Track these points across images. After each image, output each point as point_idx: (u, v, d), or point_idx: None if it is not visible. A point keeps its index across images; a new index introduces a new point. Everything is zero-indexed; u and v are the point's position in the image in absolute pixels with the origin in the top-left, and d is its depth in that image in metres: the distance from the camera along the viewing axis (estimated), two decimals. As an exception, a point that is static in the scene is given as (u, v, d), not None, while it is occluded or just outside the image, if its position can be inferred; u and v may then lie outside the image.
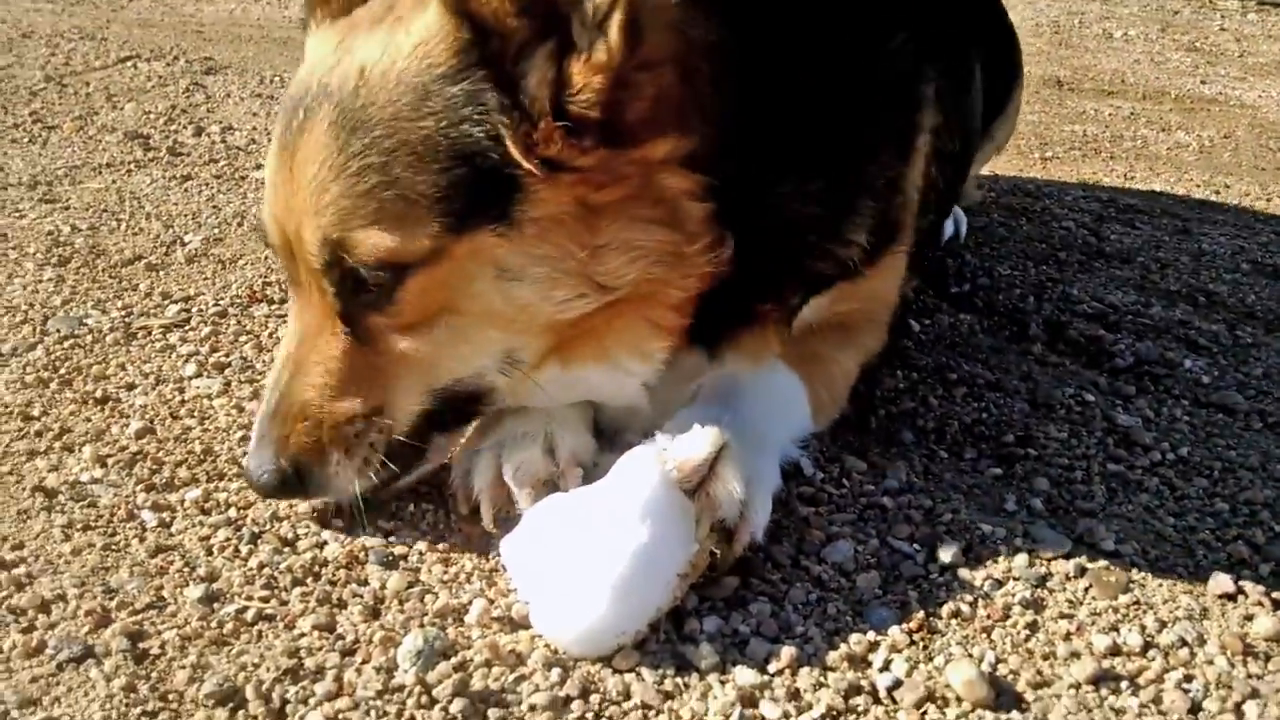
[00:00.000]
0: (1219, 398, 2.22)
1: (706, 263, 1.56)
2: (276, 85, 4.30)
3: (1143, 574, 1.61)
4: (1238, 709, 1.35)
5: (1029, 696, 1.36)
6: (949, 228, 3.02)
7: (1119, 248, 3.13)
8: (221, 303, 2.36)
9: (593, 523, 1.41)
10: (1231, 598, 1.58)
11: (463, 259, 1.47)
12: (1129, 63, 6.05)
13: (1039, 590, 1.56)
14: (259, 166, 3.29)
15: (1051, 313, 2.62)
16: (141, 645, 1.37)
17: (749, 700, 1.33)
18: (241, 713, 1.27)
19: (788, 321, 1.83)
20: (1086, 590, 1.57)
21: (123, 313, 2.29)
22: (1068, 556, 1.63)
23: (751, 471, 1.53)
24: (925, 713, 1.33)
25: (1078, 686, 1.38)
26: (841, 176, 1.74)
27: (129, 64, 4.50)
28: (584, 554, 1.40)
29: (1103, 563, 1.62)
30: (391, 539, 1.61)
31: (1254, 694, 1.38)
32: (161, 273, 2.51)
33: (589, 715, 1.30)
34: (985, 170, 3.46)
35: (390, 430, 1.56)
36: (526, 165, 1.43)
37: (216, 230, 2.78)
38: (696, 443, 1.47)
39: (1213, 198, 3.75)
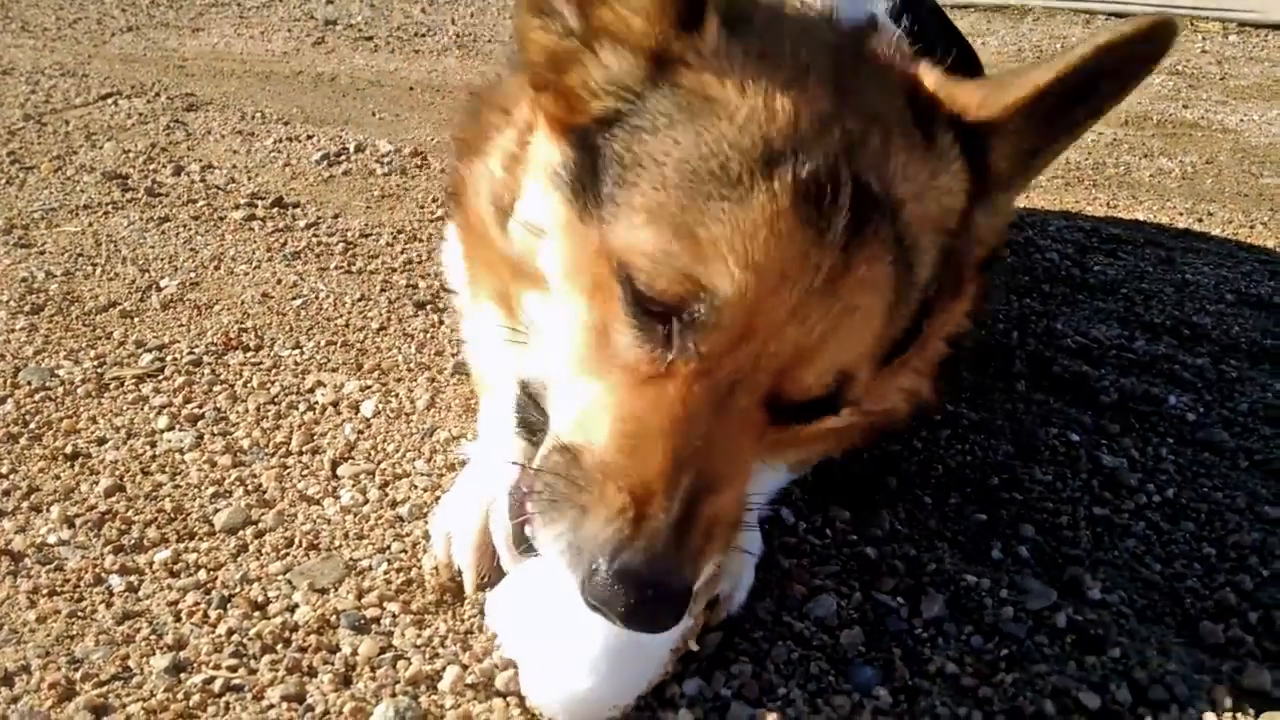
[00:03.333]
0: (1205, 435, 2.21)
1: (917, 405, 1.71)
2: (258, 121, 4.29)
3: (1130, 625, 1.59)
4: (1228, 769, 1.33)
5: (1016, 760, 1.33)
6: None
7: (1103, 279, 3.12)
8: (196, 351, 2.33)
9: None
10: (1221, 649, 1.55)
11: None
12: (1111, 87, 6.07)
13: (1026, 645, 1.53)
14: (238, 206, 3.26)
15: (1036, 348, 2.60)
16: (105, 720, 1.34)
17: (729, 769, 1.30)
18: (206, 793, 1.24)
19: None
20: (1074, 644, 1.54)
21: (95, 362, 2.26)
22: (1054, 608, 1.61)
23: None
24: (910, 779, 1.30)
25: (1066, 748, 1.35)
26: None
27: (110, 101, 4.48)
28: (580, 625, 1.33)
29: (1090, 614, 1.60)
30: (364, 600, 1.57)
31: (1245, 753, 1.35)
32: (136, 319, 2.48)
33: (564, 789, 1.26)
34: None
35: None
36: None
37: (193, 274, 2.75)
38: None
39: (1196, 225, 3.75)
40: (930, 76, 1.49)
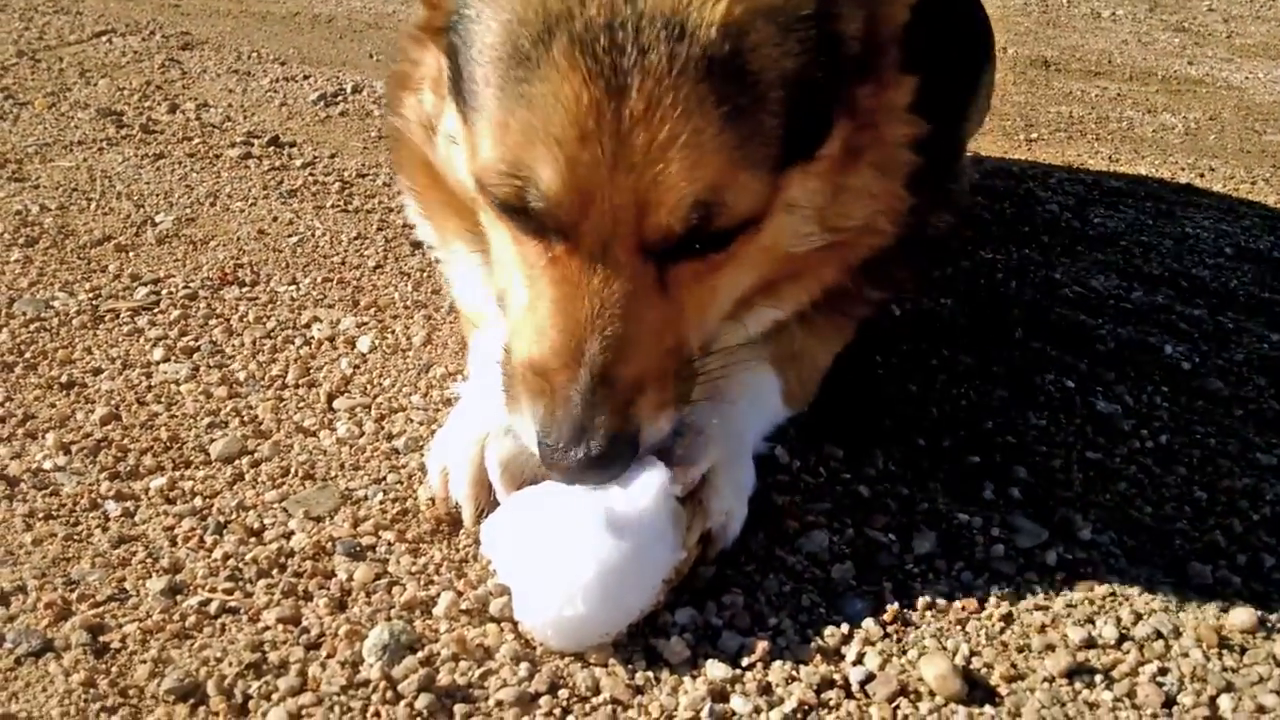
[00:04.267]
0: (1199, 384, 2.21)
1: (898, 221, 1.65)
2: (254, 61, 4.23)
3: (1119, 564, 1.60)
4: (1212, 702, 1.35)
5: (1002, 690, 1.35)
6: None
7: (1102, 231, 3.11)
8: (192, 285, 2.32)
9: (586, 521, 1.37)
10: (1208, 589, 1.57)
11: (780, 197, 1.46)
12: (1116, 43, 6.02)
13: (1015, 581, 1.55)
14: (233, 145, 3.23)
15: (1033, 297, 2.60)
16: (102, 639, 1.34)
17: (720, 695, 1.31)
18: (203, 709, 1.25)
19: None
20: (1062, 581, 1.55)
21: (90, 295, 2.25)
22: (1044, 547, 1.62)
23: (730, 474, 1.52)
24: (898, 707, 1.32)
25: (1052, 680, 1.37)
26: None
27: (104, 39, 4.42)
28: (574, 552, 1.35)
29: (1079, 553, 1.61)
30: (359, 529, 1.58)
31: (1229, 687, 1.37)
32: (131, 254, 2.47)
33: (557, 711, 1.28)
34: (968, 150, 3.44)
35: (687, 367, 1.47)
36: (844, 105, 1.47)
37: (189, 210, 2.73)
38: (696, 454, 1.46)
39: (1197, 181, 3.73)
40: None
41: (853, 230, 1.63)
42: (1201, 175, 3.79)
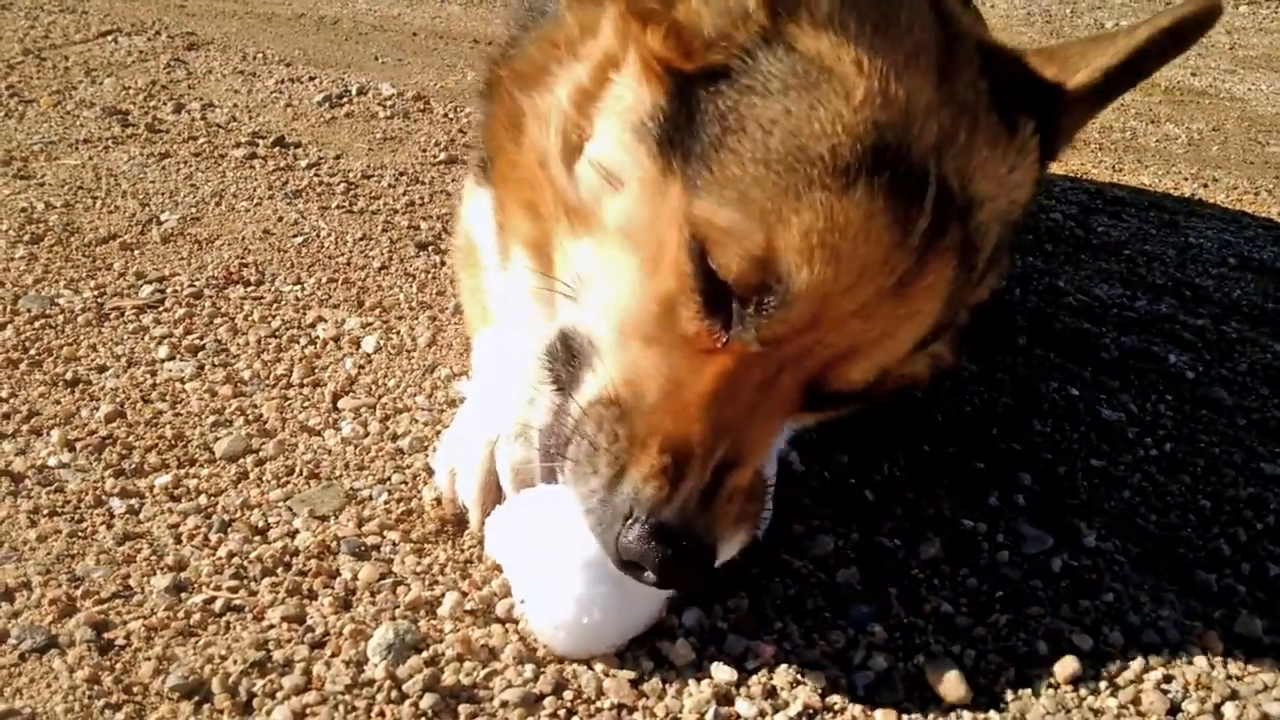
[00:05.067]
0: (1204, 393, 2.22)
1: None
2: (259, 62, 4.24)
3: (1124, 572, 1.60)
4: (1217, 710, 1.34)
5: (1008, 696, 1.35)
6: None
7: (1106, 240, 3.12)
8: (197, 284, 2.32)
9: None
10: (1213, 597, 1.57)
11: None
12: (1120, 53, 6.03)
13: (1020, 588, 1.55)
14: (239, 145, 3.24)
15: (1038, 305, 2.60)
16: (106, 635, 1.34)
17: (725, 698, 1.31)
18: (207, 706, 1.25)
19: None
20: (1067, 588, 1.55)
21: (95, 293, 2.25)
22: (1050, 554, 1.62)
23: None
24: (904, 712, 1.31)
25: (1057, 686, 1.37)
26: None
27: (109, 38, 4.43)
28: (585, 562, 1.33)
29: (1085, 560, 1.61)
30: (364, 528, 1.58)
31: (1233, 695, 1.37)
32: (136, 252, 2.47)
33: (561, 712, 1.27)
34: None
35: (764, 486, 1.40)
36: None
37: (194, 209, 2.73)
38: None
39: (1200, 191, 3.74)
40: (1007, 52, 1.45)
41: (899, 385, 1.56)
42: (1205, 185, 3.80)
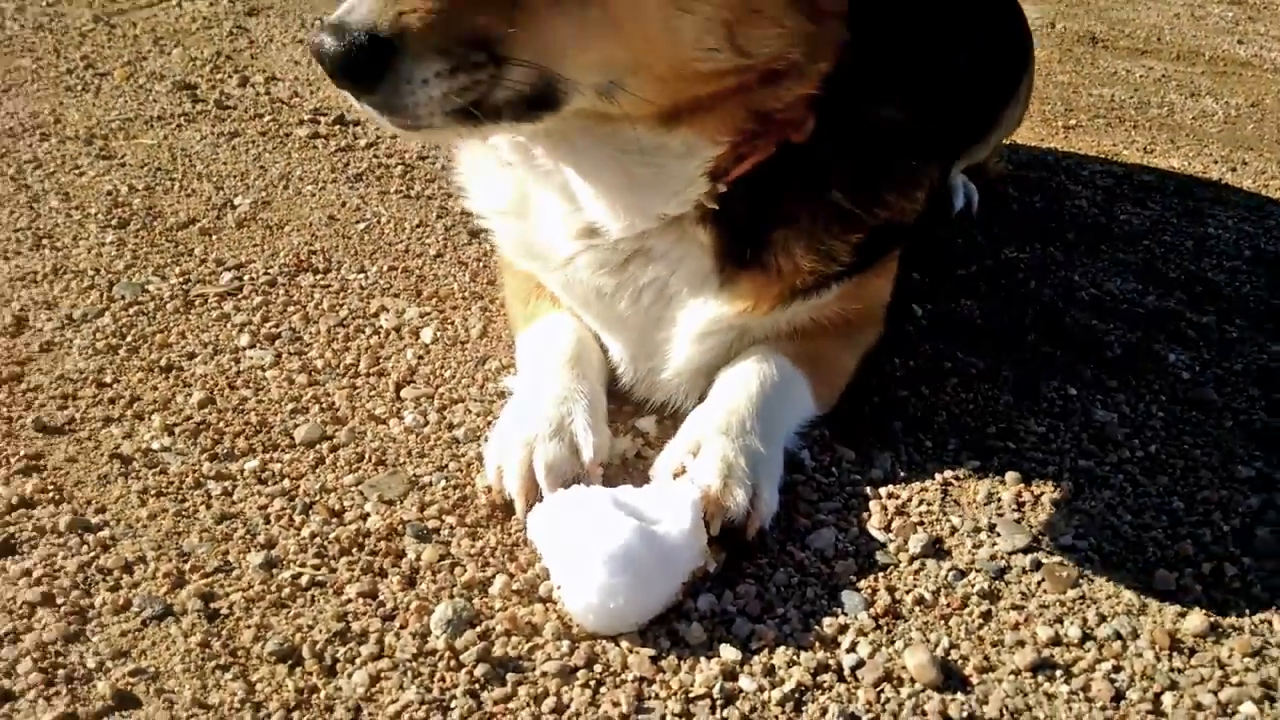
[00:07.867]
0: (1196, 393, 2.37)
1: (820, 72, 1.67)
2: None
3: (1092, 570, 1.80)
4: (1156, 699, 1.55)
5: (974, 680, 1.57)
6: (959, 200, 3.14)
7: (1127, 230, 3.24)
8: (271, 271, 2.55)
9: (624, 528, 1.60)
10: (1170, 595, 1.77)
11: None
12: (1168, 17, 6.00)
13: (996, 582, 1.75)
14: (302, 122, 3.45)
15: (1050, 299, 2.75)
16: (213, 605, 1.60)
17: (730, 675, 1.54)
18: (299, 669, 1.50)
19: (793, 285, 1.92)
20: (1039, 584, 1.76)
21: (181, 279, 2.49)
22: (1026, 551, 1.82)
23: (760, 467, 1.77)
24: (882, 691, 1.54)
25: (1018, 673, 1.58)
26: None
27: (173, 3, 4.63)
28: (611, 549, 1.57)
29: (1057, 558, 1.81)
30: (425, 513, 1.82)
31: (1173, 685, 1.57)
32: (214, 238, 2.70)
33: (592, 683, 1.52)
34: (1006, 139, 3.56)
35: (499, 84, 1.46)
36: None
37: (264, 193, 2.96)
38: (710, 471, 1.73)
39: (1229, 175, 3.81)
40: None
41: (761, 61, 1.62)
42: (1234, 169, 3.88)
